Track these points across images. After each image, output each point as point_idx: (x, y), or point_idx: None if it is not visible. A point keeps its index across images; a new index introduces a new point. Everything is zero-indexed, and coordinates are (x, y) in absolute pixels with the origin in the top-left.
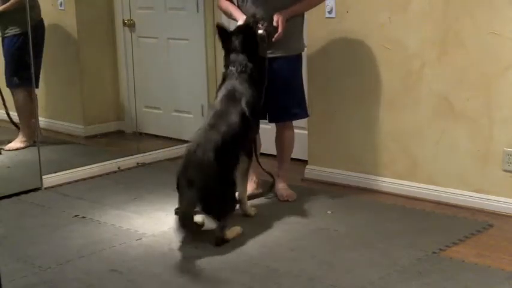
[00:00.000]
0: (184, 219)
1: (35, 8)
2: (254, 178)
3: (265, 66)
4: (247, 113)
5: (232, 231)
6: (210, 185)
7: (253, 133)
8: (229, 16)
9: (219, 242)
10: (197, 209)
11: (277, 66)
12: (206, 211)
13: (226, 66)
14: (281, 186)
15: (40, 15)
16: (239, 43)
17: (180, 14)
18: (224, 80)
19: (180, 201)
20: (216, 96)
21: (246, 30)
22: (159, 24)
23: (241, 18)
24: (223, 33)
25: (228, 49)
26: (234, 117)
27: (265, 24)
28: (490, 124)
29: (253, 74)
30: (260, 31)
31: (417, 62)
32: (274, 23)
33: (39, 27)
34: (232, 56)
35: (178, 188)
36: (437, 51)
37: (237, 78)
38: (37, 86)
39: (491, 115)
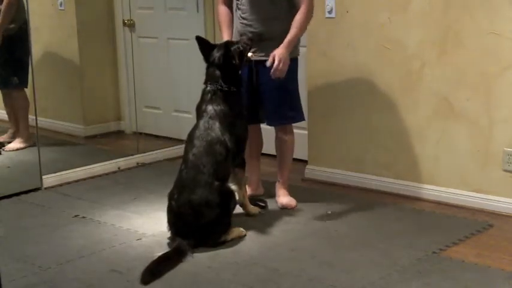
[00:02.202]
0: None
1: (22, 8)
2: (255, 178)
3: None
4: (228, 143)
5: (233, 232)
6: (205, 232)
7: (241, 148)
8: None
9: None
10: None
11: None
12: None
13: (205, 81)
14: (281, 193)
15: (25, 17)
16: (217, 58)
17: (180, 14)
18: (202, 98)
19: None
20: (194, 127)
21: (227, 46)
22: (159, 24)
23: (225, 39)
24: (203, 45)
25: (207, 62)
26: (219, 148)
27: (255, 49)
28: (490, 124)
29: (230, 89)
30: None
31: (417, 62)
32: (269, 63)
33: (24, 28)
34: (210, 71)
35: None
36: (437, 51)
37: (213, 101)
38: (26, 86)
39: (491, 115)
